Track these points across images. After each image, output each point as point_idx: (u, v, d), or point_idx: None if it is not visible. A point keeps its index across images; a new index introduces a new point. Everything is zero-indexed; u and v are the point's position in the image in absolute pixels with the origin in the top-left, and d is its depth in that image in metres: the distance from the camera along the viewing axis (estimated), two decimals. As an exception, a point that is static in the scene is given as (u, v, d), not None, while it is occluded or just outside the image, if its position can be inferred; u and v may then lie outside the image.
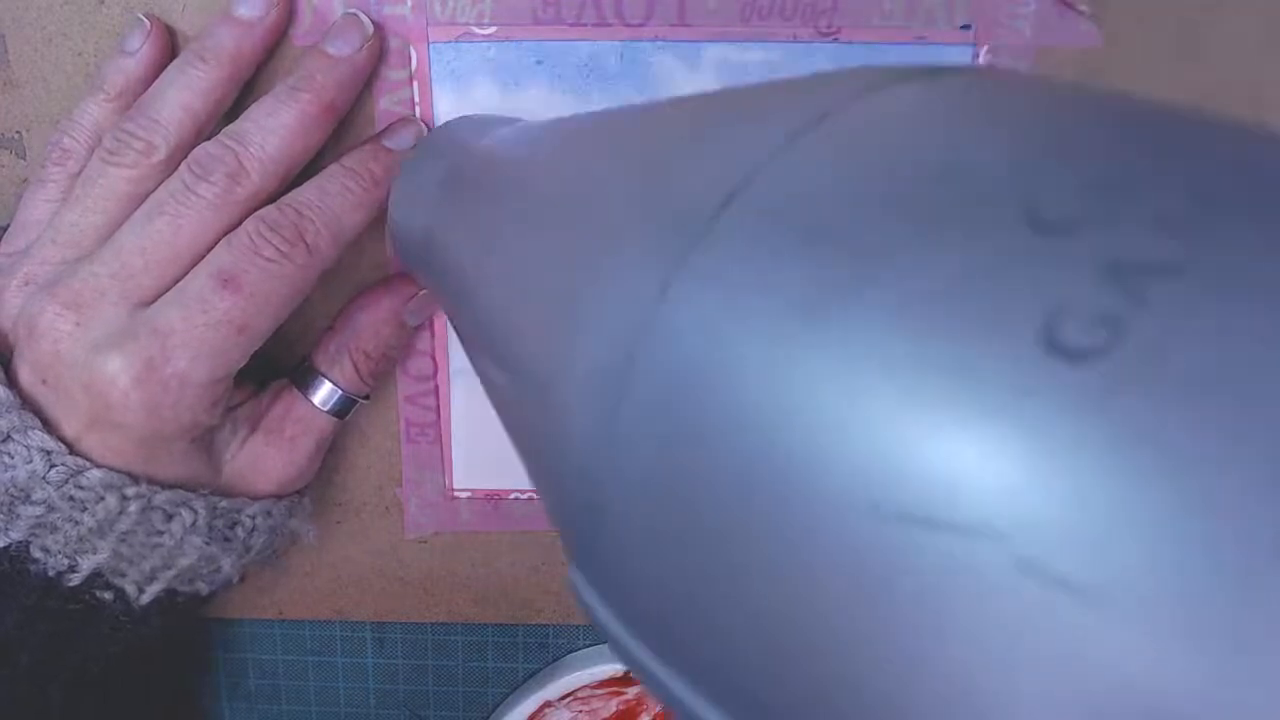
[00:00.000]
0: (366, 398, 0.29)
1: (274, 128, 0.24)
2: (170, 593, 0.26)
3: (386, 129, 0.27)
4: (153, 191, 0.24)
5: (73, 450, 0.23)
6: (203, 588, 0.27)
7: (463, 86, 0.27)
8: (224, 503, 0.26)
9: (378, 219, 0.26)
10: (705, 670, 0.12)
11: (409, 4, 0.27)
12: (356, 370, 0.28)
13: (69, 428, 0.24)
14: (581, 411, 0.13)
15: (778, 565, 0.10)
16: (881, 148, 0.12)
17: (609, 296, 0.13)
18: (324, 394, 0.28)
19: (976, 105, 0.13)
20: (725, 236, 0.12)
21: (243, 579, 0.28)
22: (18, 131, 0.28)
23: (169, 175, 0.24)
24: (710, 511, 0.11)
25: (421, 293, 0.28)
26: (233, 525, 0.26)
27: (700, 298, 0.12)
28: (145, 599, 0.25)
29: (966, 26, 0.27)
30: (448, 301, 0.23)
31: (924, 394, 0.09)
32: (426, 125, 0.27)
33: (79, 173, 0.25)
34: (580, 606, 0.15)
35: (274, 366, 0.29)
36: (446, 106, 0.28)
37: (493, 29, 0.27)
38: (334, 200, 0.24)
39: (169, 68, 0.25)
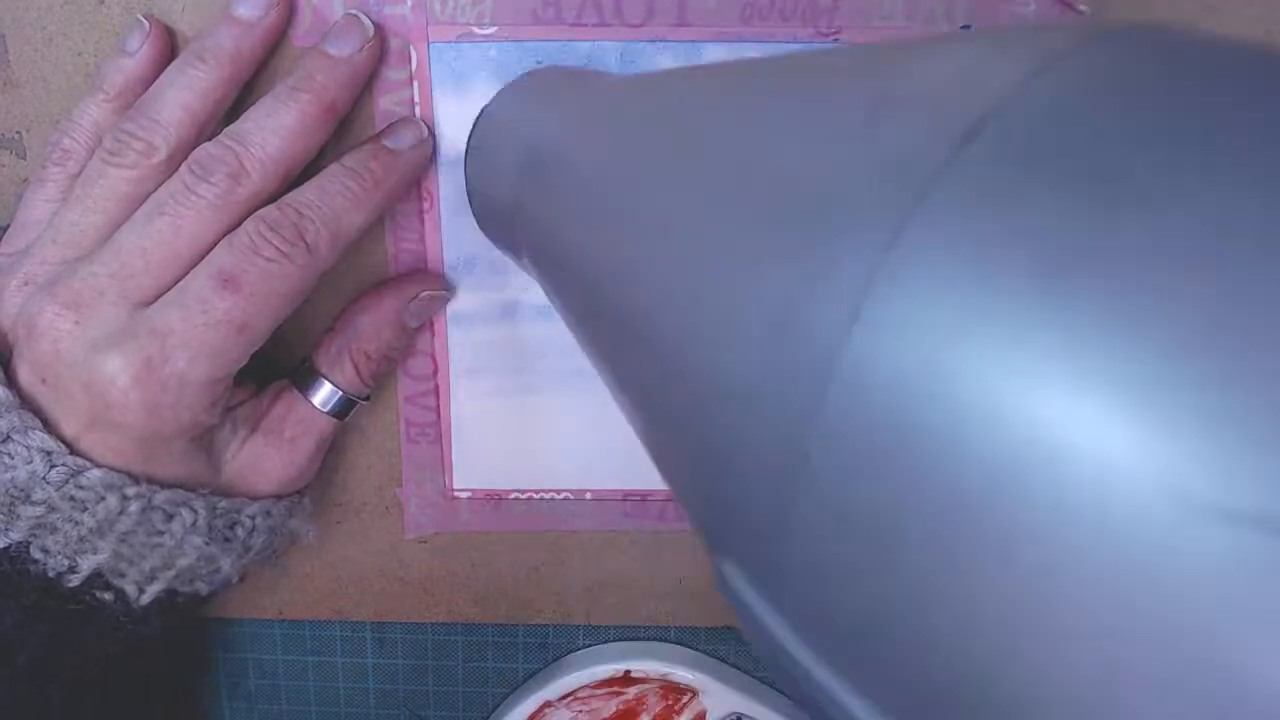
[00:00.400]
0: (367, 399, 0.29)
1: (274, 128, 0.24)
2: (170, 593, 0.26)
3: (386, 129, 0.27)
4: (153, 192, 0.24)
5: (72, 450, 0.23)
6: (202, 588, 0.27)
7: (463, 86, 0.27)
8: (224, 503, 0.26)
9: (378, 219, 0.26)
10: (886, 678, 0.11)
11: (409, 4, 0.27)
12: (357, 371, 0.28)
13: (68, 427, 0.24)
14: (777, 407, 0.12)
15: (1026, 573, 0.09)
16: (1140, 84, 0.10)
17: (815, 274, 0.11)
18: (324, 395, 0.28)
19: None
20: (960, 183, 0.10)
21: (242, 579, 0.28)
22: (18, 131, 0.28)
23: (169, 175, 0.24)
24: (931, 513, 0.10)
25: (423, 294, 0.28)
26: (233, 525, 0.26)
27: (930, 258, 0.10)
28: (145, 599, 0.25)
29: (966, 26, 0.27)
30: (551, 278, 0.21)
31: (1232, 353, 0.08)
32: (427, 125, 0.27)
33: (79, 173, 0.25)
34: (730, 601, 0.14)
35: (274, 367, 0.29)
36: (446, 106, 0.28)
37: (493, 29, 0.27)
38: (334, 200, 0.24)
39: (169, 68, 0.25)
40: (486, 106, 0.25)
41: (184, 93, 0.25)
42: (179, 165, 0.24)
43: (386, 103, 0.27)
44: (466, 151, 0.25)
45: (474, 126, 0.25)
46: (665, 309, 0.15)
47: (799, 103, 0.14)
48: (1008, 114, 0.10)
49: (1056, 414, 0.09)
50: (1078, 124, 0.10)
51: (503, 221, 0.23)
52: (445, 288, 0.29)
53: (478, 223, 0.26)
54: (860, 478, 0.10)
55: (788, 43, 0.27)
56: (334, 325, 0.28)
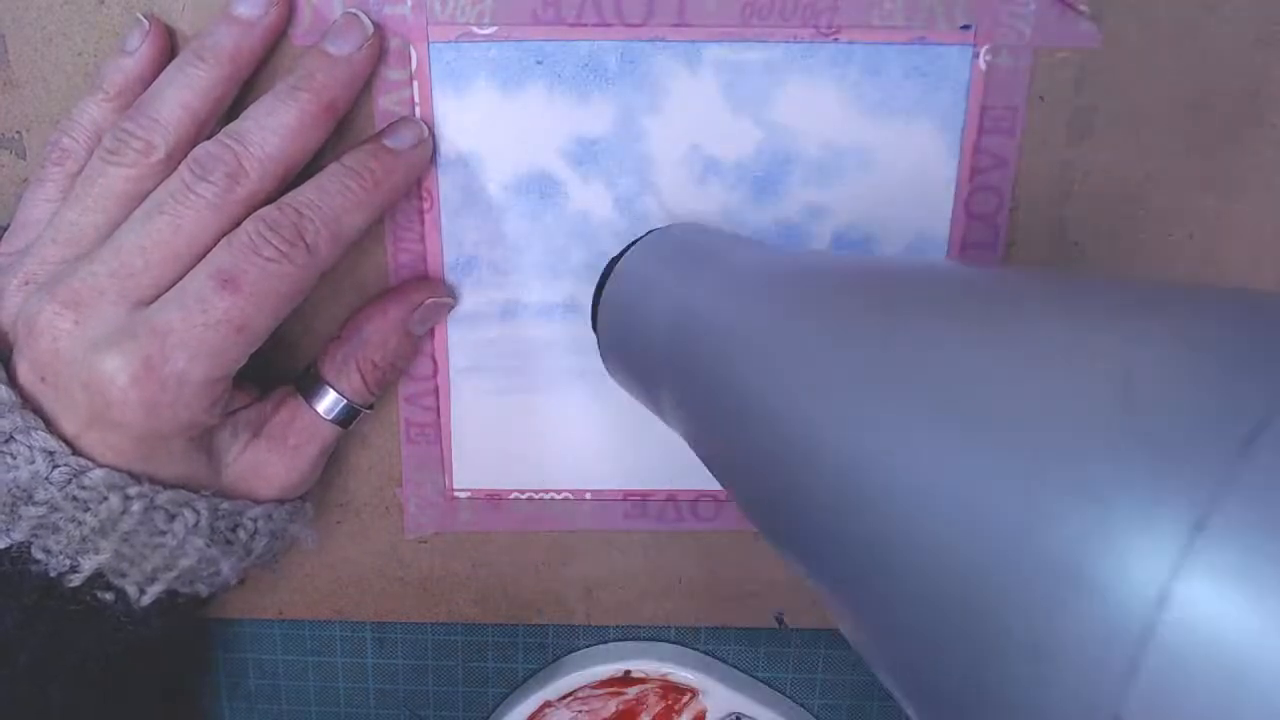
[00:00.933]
0: (371, 408, 0.29)
1: (274, 127, 0.24)
2: (170, 594, 0.26)
3: (387, 128, 0.27)
4: (152, 191, 0.24)
5: (72, 449, 0.23)
6: (203, 589, 0.27)
7: (463, 86, 0.27)
8: (226, 505, 0.26)
9: (378, 219, 0.26)
10: None
11: (409, 4, 0.27)
12: (364, 380, 0.28)
13: (68, 426, 0.23)
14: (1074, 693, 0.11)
15: None
16: None
17: (1113, 539, 0.11)
18: (329, 403, 0.28)
19: None
20: (1254, 481, 0.10)
21: (242, 582, 0.28)
22: (18, 131, 0.28)
23: (169, 174, 0.24)
24: None
25: (427, 301, 0.28)
26: (234, 528, 0.26)
27: (1232, 552, 0.10)
28: (146, 600, 0.25)
29: (967, 26, 0.27)
30: (713, 436, 0.21)
31: None
32: (427, 125, 0.27)
33: (78, 172, 0.25)
34: None
35: (275, 371, 0.29)
36: (446, 106, 0.28)
37: (493, 29, 0.27)
38: (334, 200, 0.24)
39: (168, 67, 0.25)
40: (622, 254, 0.26)
41: (183, 91, 0.24)
42: (178, 164, 0.24)
43: (386, 103, 0.27)
44: (597, 295, 0.26)
45: (607, 271, 0.26)
46: (900, 508, 0.14)
47: (1025, 342, 0.14)
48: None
49: None
50: None
51: (642, 369, 0.24)
52: (449, 294, 0.29)
53: (604, 357, 0.27)
54: None
55: (788, 42, 0.27)
56: (339, 334, 0.28)
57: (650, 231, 0.27)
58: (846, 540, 0.15)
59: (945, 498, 0.14)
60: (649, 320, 0.23)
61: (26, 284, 0.24)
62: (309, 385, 0.28)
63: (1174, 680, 0.10)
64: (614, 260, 0.26)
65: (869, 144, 0.28)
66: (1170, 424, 0.11)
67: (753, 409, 0.18)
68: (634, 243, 0.26)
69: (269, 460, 0.27)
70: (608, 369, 0.27)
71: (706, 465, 0.21)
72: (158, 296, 0.23)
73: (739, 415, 0.19)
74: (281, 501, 0.28)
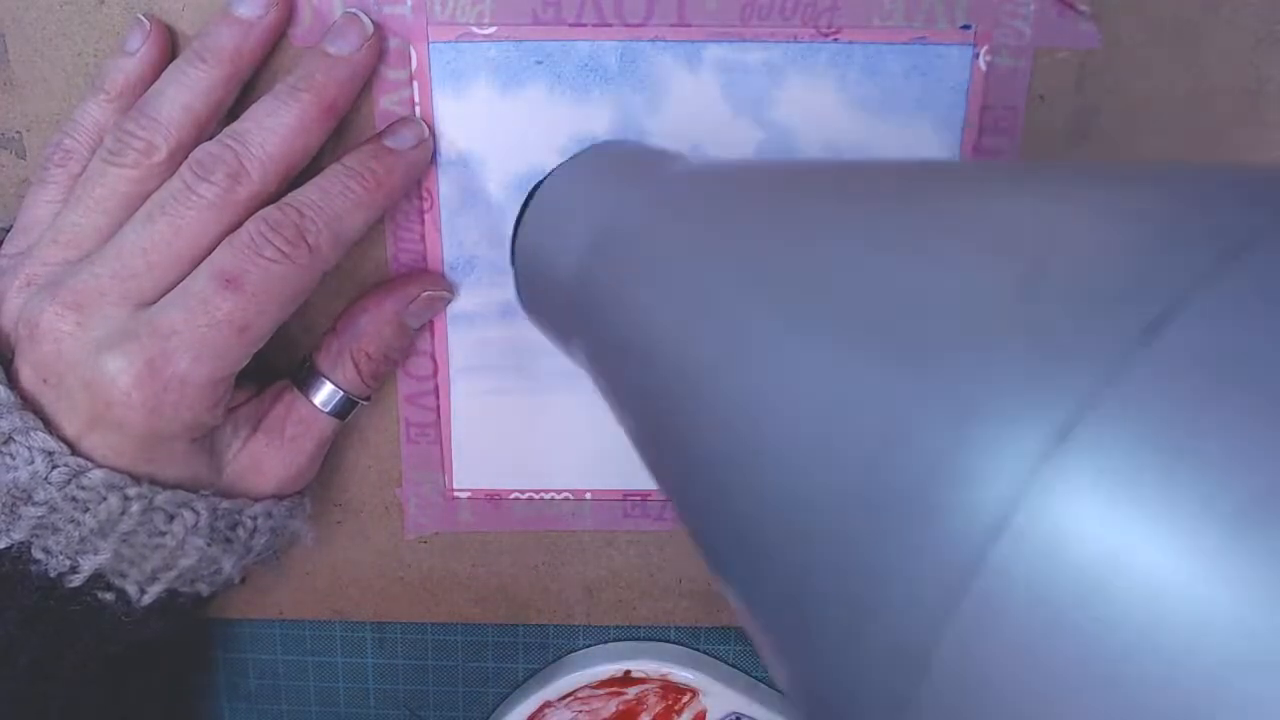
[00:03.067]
0: (367, 399, 0.29)
1: (274, 127, 0.24)
2: (171, 593, 0.26)
3: (387, 128, 0.27)
4: (154, 192, 0.24)
5: (74, 451, 0.23)
6: (203, 589, 0.27)
7: (463, 86, 0.27)
8: (225, 504, 0.26)
9: (379, 219, 0.26)
10: None
11: (409, 4, 0.27)
12: (358, 372, 0.28)
13: (69, 427, 0.24)
14: (917, 598, 0.10)
15: None
16: None
17: (975, 440, 0.10)
18: (325, 395, 0.28)
19: None
20: (1145, 378, 0.09)
21: (243, 580, 0.28)
22: (18, 131, 0.28)
23: (170, 175, 0.24)
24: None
25: (424, 295, 0.28)
26: (234, 526, 0.26)
27: (1104, 458, 0.08)
28: (146, 600, 0.25)
29: (967, 26, 0.27)
30: (613, 365, 0.19)
31: None
32: (427, 124, 0.27)
33: (80, 173, 0.25)
34: None
35: (275, 368, 0.29)
36: (446, 106, 0.28)
37: (493, 29, 0.27)
38: (335, 200, 0.24)
39: (169, 68, 0.25)
40: (543, 181, 0.24)
41: (184, 92, 0.25)
42: (179, 164, 0.24)
43: (386, 103, 0.27)
44: (517, 225, 0.23)
45: (528, 200, 0.23)
46: (765, 422, 0.13)
47: (931, 233, 0.12)
48: (1196, 307, 0.09)
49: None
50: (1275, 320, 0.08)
51: (557, 299, 0.22)
52: (446, 288, 0.29)
53: (520, 295, 0.24)
54: (996, 683, 0.09)
55: (788, 42, 0.27)
56: (335, 325, 0.28)
57: (583, 150, 0.24)
58: (712, 467, 0.14)
59: (803, 410, 0.12)
60: (565, 244, 0.21)
61: (28, 285, 0.24)
62: (305, 378, 0.28)
63: (996, 624, 0.09)
64: (538, 185, 0.24)
65: (869, 144, 0.28)
66: (1066, 311, 0.10)
67: (642, 324, 0.17)
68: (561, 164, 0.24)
69: (267, 454, 0.27)
70: (522, 305, 0.24)
71: (622, 423, 0.19)
72: (160, 297, 0.23)
73: (634, 337, 0.17)
74: (280, 498, 0.28)
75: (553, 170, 0.23)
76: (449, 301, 0.29)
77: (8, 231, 0.27)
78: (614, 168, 0.23)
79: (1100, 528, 0.08)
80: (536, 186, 0.23)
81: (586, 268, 0.20)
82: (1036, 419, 0.09)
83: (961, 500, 0.09)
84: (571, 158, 0.24)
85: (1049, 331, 0.10)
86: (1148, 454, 0.08)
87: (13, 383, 0.24)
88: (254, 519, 0.27)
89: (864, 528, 0.10)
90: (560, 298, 0.21)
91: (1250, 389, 0.08)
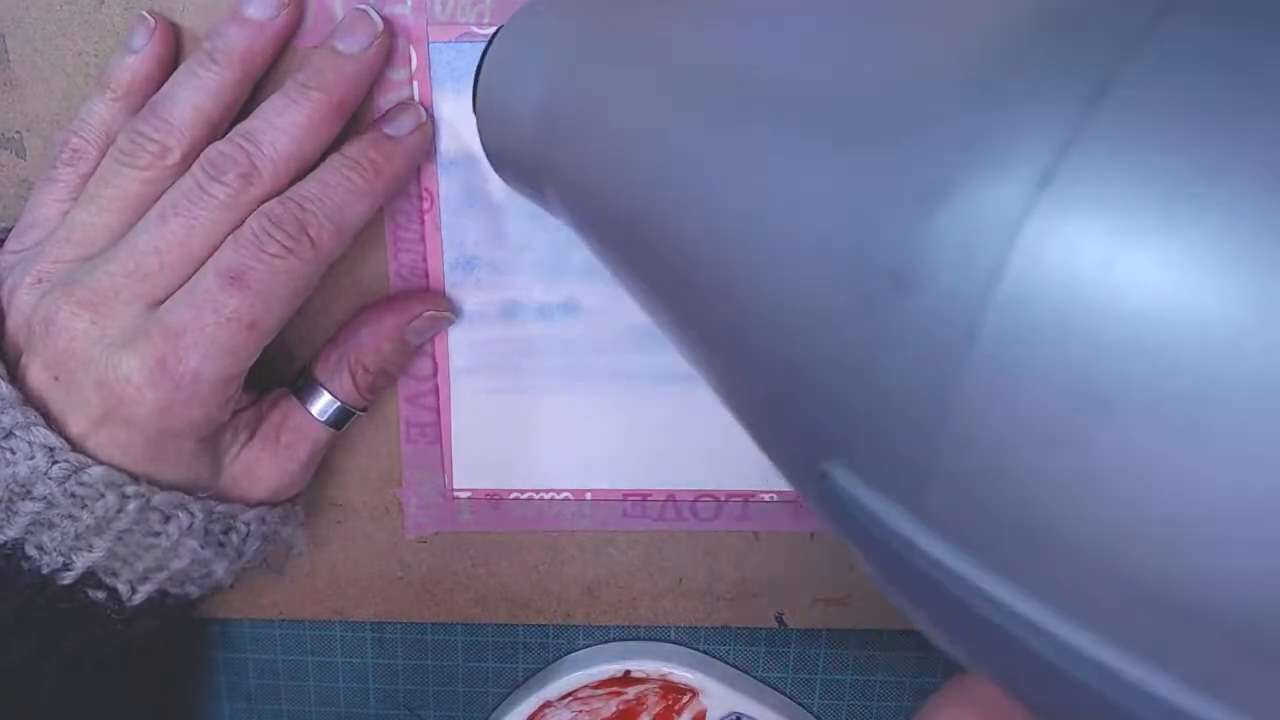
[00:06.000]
0: (364, 410, 0.29)
1: (285, 126, 0.24)
2: (161, 594, 0.26)
3: (386, 115, 0.27)
4: (165, 192, 0.24)
5: (79, 447, 0.23)
6: (193, 591, 0.27)
7: (463, 86, 0.27)
8: (220, 507, 0.26)
9: (380, 208, 0.26)
10: (1047, 564, 0.11)
11: (409, 4, 0.27)
12: (355, 383, 0.28)
13: (77, 424, 0.24)
14: (940, 288, 0.11)
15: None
16: None
17: (990, 140, 0.11)
18: (321, 404, 0.28)
19: None
20: (1162, 55, 0.09)
21: (233, 585, 0.28)
22: (18, 131, 0.28)
23: (181, 175, 0.24)
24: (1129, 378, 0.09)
25: (426, 313, 0.28)
26: (227, 530, 0.26)
27: (1125, 144, 0.09)
28: (137, 599, 0.25)
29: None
30: (593, 206, 0.19)
31: None
32: (425, 109, 0.27)
33: (89, 172, 0.25)
34: (827, 512, 0.13)
35: (275, 375, 0.29)
36: (446, 106, 0.28)
37: (493, 29, 0.27)
38: (336, 192, 0.24)
39: (180, 69, 0.25)
40: (504, 26, 0.23)
41: (196, 94, 0.25)
42: (191, 165, 0.24)
43: (387, 103, 0.27)
44: (478, 72, 0.23)
45: (488, 46, 0.23)
46: (758, 218, 0.13)
47: None
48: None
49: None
50: None
51: (523, 147, 0.22)
52: (449, 309, 0.29)
53: (486, 149, 0.24)
54: (1039, 352, 0.10)
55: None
56: (335, 336, 0.28)
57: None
58: (700, 290, 0.14)
59: (777, 201, 0.13)
60: (526, 85, 0.21)
61: (39, 283, 0.24)
62: (303, 386, 0.28)
63: (1035, 292, 0.10)
64: (498, 29, 0.23)
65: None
66: (1015, 91, 0.11)
67: (611, 149, 0.17)
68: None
69: (261, 460, 0.27)
70: (490, 159, 0.24)
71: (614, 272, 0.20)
72: (170, 296, 0.24)
73: (607, 158, 0.18)
74: (273, 504, 0.28)
75: (500, 30, 0.23)
76: (451, 323, 0.29)
77: (8, 232, 0.27)
78: (575, 8, 0.22)
79: (1095, 247, 0.10)
80: (497, 31, 0.23)
81: (548, 107, 0.20)
82: (1057, 96, 0.10)
83: (999, 161, 0.11)
84: (517, 14, 0.23)
85: (1007, 104, 0.11)
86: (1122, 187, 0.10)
87: (20, 379, 0.24)
88: (248, 524, 0.27)
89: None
90: (525, 145, 0.21)
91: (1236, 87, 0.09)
